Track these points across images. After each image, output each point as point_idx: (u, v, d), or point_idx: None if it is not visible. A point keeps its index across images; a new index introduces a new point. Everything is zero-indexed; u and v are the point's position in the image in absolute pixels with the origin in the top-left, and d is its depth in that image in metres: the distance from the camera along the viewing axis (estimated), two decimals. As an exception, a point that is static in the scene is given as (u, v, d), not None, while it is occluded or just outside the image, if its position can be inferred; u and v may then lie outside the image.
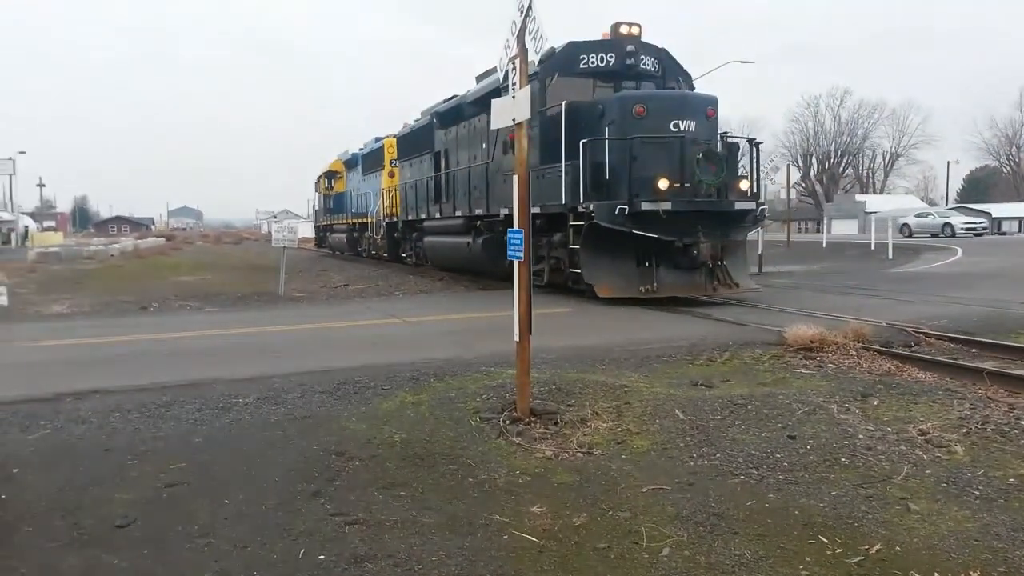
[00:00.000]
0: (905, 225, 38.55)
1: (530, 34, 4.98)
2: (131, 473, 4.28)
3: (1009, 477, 4.07)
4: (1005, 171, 78.25)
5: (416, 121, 21.23)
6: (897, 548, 3.32)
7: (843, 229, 58.75)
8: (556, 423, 5.10)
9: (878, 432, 4.79)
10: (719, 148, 11.51)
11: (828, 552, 3.31)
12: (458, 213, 16.37)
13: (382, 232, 24.70)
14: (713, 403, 5.39)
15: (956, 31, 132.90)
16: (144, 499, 3.94)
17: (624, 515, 3.74)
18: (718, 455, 4.52)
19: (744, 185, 11.74)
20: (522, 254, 5.11)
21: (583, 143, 11.10)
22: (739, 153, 12.81)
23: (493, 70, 12.97)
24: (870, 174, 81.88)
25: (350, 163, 30.78)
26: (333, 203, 33.96)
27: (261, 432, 4.96)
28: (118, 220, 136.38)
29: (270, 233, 25.90)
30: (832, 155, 79.39)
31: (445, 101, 18.23)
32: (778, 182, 30.76)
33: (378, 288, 16.30)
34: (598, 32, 12.93)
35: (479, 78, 16.40)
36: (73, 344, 8.43)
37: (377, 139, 26.05)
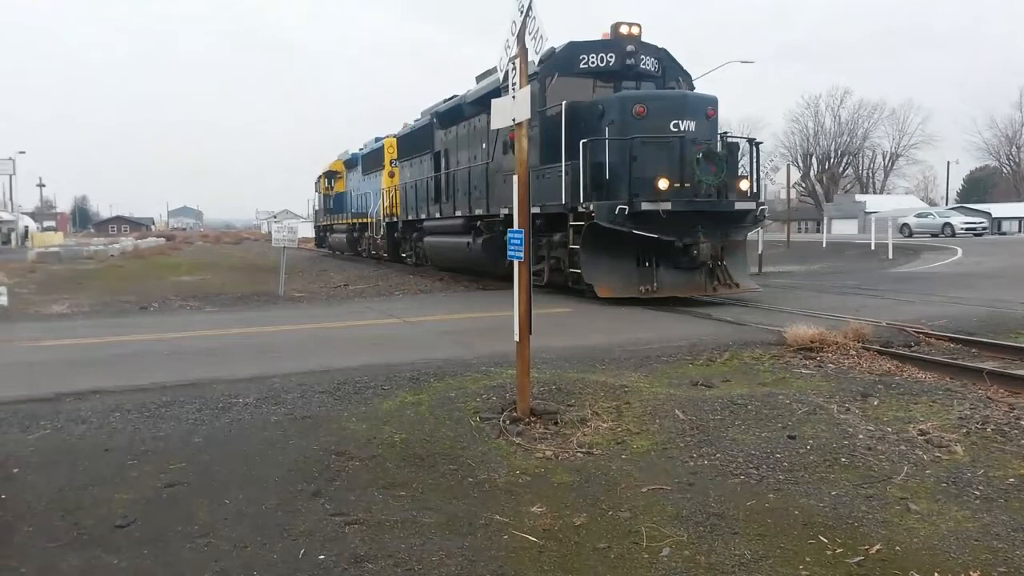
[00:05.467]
0: (905, 225, 38.55)
1: (530, 34, 4.98)
2: (131, 473, 4.28)
3: (1009, 477, 4.07)
4: (1005, 171, 78.17)
5: (416, 121, 21.23)
6: (897, 548, 3.32)
7: (843, 229, 58.73)
8: (556, 423, 5.10)
9: (878, 432, 4.79)
10: (719, 148, 11.50)
11: (828, 552, 3.31)
12: (458, 213, 16.37)
13: (382, 232, 24.70)
14: (713, 403, 5.39)
15: (956, 31, 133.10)
16: (144, 499, 3.94)
17: (624, 515, 3.74)
18: (718, 455, 4.52)
19: (744, 185, 11.74)
20: (522, 254, 5.11)
21: (583, 143, 11.09)
22: (739, 153, 12.81)
23: (493, 70, 12.98)
24: (870, 174, 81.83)
25: (350, 163, 30.78)
26: (333, 203, 33.96)
27: (261, 432, 4.96)
28: (118, 220, 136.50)
29: (270, 233, 25.91)
30: (832, 155, 79.33)
31: (445, 101, 18.23)
32: (778, 182, 30.81)
33: (378, 288, 16.30)
34: (598, 32, 12.95)
35: (479, 78, 16.40)
36: (73, 344, 8.43)
37: (377, 139, 26.05)
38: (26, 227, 62.90)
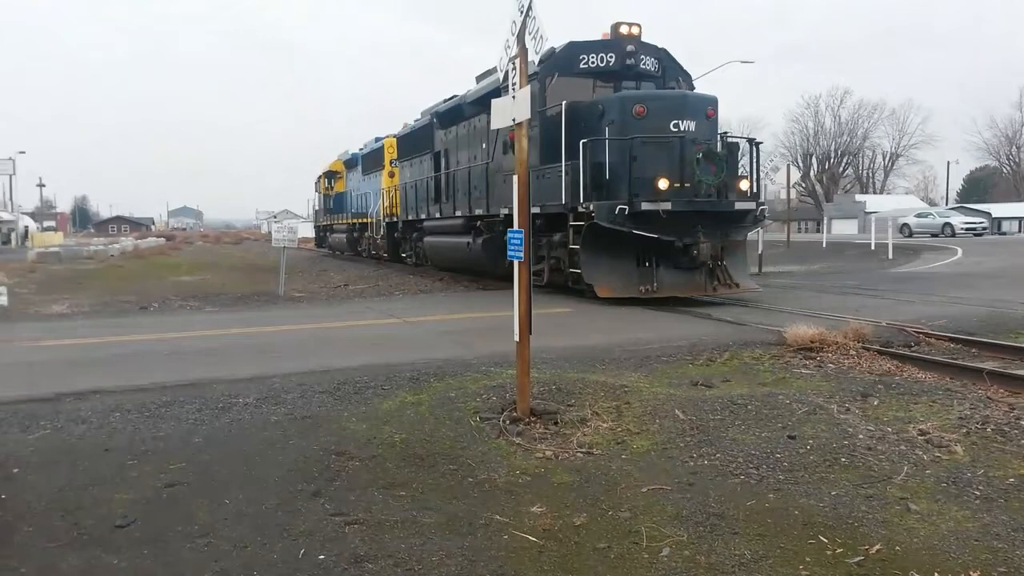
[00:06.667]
0: (905, 225, 38.55)
1: (530, 34, 4.98)
2: (131, 473, 4.28)
3: (1009, 477, 4.07)
4: (1005, 171, 78.16)
5: (416, 121, 21.23)
6: (897, 548, 3.32)
7: (843, 229, 58.73)
8: (556, 423, 5.10)
9: (878, 432, 4.79)
10: (719, 148, 11.50)
11: (828, 552, 3.31)
12: (458, 213, 16.37)
13: (382, 232, 24.70)
14: (713, 403, 5.39)
15: (956, 31, 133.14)
16: (144, 499, 3.94)
17: (624, 515, 3.74)
18: (718, 455, 4.52)
19: (744, 185, 11.74)
20: (522, 254, 5.11)
21: (583, 143, 11.09)
22: (739, 153, 12.81)
23: (493, 70, 12.98)
24: (870, 174, 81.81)
25: (350, 163, 30.78)
26: (333, 203, 33.97)
27: (261, 432, 4.96)
28: (118, 220, 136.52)
29: (270, 233, 25.92)
30: (832, 155, 79.32)
31: (445, 101, 18.23)
32: (778, 182, 30.82)
33: (378, 288, 16.30)
34: (598, 32, 12.95)
35: (479, 78, 16.40)
36: (73, 344, 8.42)
37: (377, 139, 26.05)
38: (26, 227, 62.91)
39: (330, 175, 34.19)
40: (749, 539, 3.45)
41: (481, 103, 14.28)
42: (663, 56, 13.18)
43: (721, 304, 11.36)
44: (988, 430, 4.81)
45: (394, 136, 23.34)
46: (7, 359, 7.49)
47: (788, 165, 35.34)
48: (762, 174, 15.89)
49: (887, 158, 79.52)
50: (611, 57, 12.56)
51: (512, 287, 5.34)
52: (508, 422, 5.10)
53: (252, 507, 3.84)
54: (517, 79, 5.14)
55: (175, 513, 3.77)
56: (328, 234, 36.27)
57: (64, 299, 14.24)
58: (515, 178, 5.19)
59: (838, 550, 3.32)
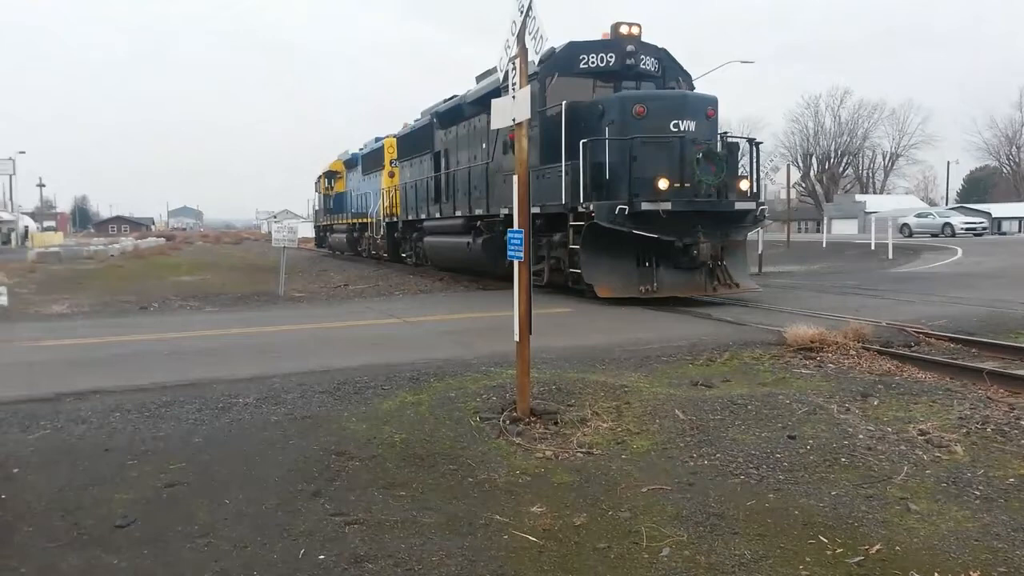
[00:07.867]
0: (905, 225, 38.56)
1: (530, 34, 4.98)
2: (131, 473, 4.28)
3: (1009, 477, 4.07)
4: (1005, 171, 78.17)
5: (416, 121, 21.24)
6: (897, 548, 3.32)
7: (843, 229, 58.74)
8: (556, 423, 5.10)
9: (878, 432, 4.79)
10: (719, 148, 11.50)
11: (828, 552, 3.31)
12: (458, 213, 16.37)
13: (382, 232, 24.70)
14: (713, 403, 5.39)
15: (956, 31, 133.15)
16: (144, 499, 3.94)
17: (624, 515, 3.74)
18: (718, 455, 4.52)
19: (744, 185, 11.74)
20: (522, 254, 5.11)
21: (583, 143, 11.09)
22: (739, 153, 12.81)
23: (493, 70, 12.98)
24: (870, 174, 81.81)
25: (350, 163, 30.79)
26: (333, 203, 33.98)
27: (261, 432, 4.96)
28: (118, 220, 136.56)
29: (270, 233, 25.93)
30: (832, 155, 79.32)
31: (445, 101, 18.24)
32: (778, 182, 30.82)
33: (378, 288, 16.30)
34: (598, 32, 12.95)
35: (479, 78, 16.41)
36: (73, 344, 8.42)
37: (377, 139, 26.06)
38: (26, 227, 62.91)
39: (330, 175, 34.20)
40: (749, 539, 3.45)
41: (481, 103, 14.28)
42: (663, 56, 13.19)
43: (721, 304, 11.36)
44: (988, 430, 4.81)
45: (394, 136, 23.34)
46: (7, 359, 7.49)
47: (788, 165, 35.36)
48: (762, 174, 15.90)
49: (887, 158, 79.61)
50: (611, 57, 12.56)
51: (512, 287, 5.34)
52: (508, 422, 5.10)
53: (252, 507, 3.84)
54: (517, 79, 5.14)
55: (175, 513, 3.77)
56: (328, 234, 36.28)
57: (64, 299, 14.25)
58: (515, 178, 5.19)
59: (838, 550, 3.32)
